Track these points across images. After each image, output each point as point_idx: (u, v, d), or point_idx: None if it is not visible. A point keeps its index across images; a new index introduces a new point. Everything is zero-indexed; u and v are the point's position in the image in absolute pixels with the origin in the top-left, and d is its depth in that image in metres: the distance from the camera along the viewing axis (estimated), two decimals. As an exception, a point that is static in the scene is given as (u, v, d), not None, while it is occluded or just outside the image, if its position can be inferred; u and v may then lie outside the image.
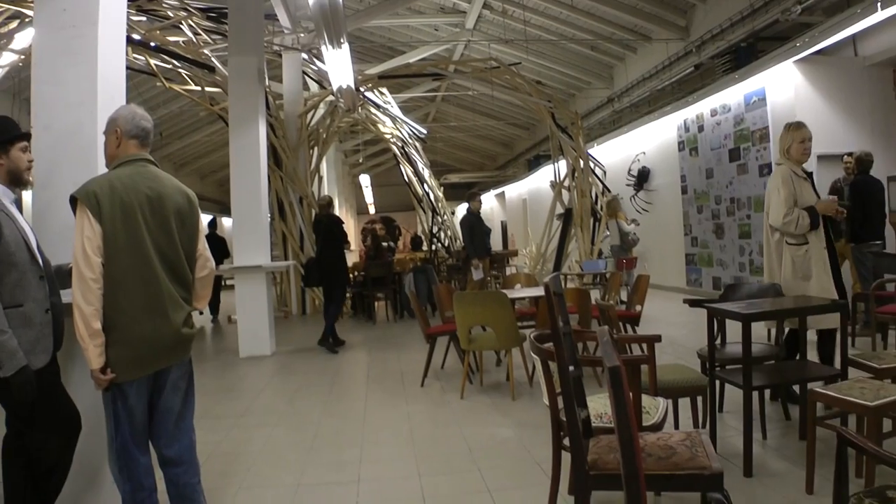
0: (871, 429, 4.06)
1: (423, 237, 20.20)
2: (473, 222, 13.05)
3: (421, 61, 20.01)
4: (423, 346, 8.28)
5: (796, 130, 5.99)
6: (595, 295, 12.31)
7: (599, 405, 4.05)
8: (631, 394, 3.92)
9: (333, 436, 6.20)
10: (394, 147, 21.38)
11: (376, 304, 15.29)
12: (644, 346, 4.85)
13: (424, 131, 21.40)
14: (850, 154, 10.03)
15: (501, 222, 37.49)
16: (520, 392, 7.28)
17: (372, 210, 39.63)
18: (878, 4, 9.25)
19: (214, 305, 16.07)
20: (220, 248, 14.83)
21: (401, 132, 20.48)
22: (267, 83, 13.89)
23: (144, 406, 3.53)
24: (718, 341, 6.03)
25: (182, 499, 3.66)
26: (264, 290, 10.63)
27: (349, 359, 10.15)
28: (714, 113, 14.31)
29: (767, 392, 5.72)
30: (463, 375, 7.48)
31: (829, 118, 11.62)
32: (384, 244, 16.82)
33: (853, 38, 11.66)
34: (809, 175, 6.09)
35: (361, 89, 16.44)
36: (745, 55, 13.30)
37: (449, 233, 21.39)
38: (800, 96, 11.62)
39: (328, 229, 11.36)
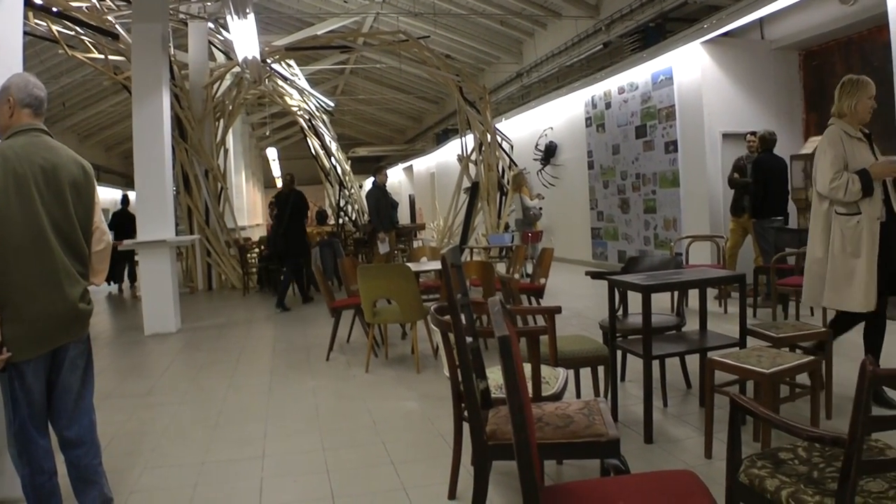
0: (767, 395, 4.22)
1: (328, 211, 20.03)
2: (379, 196, 13.07)
3: (329, 33, 19.68)
4: (330, 321, 8.21)
5: (866, 86, 5.27)
6: (502, 268, 12.43)
7: (500, 376, 4.06)
8: (530, 364, 3.95)
9: (238, 412, 6.11)
10: (301, 120, 21.11)
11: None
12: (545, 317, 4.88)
13: (332, 104, 21.17)
14: (753, 133, 10.33)
15: (409, 196, 37.48)
16: (424, 365, 7.31)
17: (279, 184, 39.08)
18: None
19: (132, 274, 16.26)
20: (132, 225, 14.51)
21: (308, 105, 20.22)
22: (172, 52, 13.54)
23: (42, 386, 3.39)
24: (621, 313, 6.15)
25: (84, 481, 3.53)
26: (169, 266, 10.38)
27: (255, 334, 10.02)
28: (622, 90, 14.51)
29: (668, 361, 5.73)
30: (368, 349, 7.45)
31: (735, 98, 11.88)
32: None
33: (760, 22, 11.93)
34: (867, 136, 5.34)
35: (268, 61, 16.16)
36: (653, 35, 13.46)
37: (356, 206, 21.27)
38: (706, 76, 11.83)
39: (296, 204, 12.42)
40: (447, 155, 26.07)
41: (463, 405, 3.77)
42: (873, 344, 5.32)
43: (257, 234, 22.57)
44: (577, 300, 11.05)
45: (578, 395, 5.36)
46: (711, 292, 10.29)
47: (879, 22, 9.21)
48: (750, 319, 6.97)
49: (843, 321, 5.46)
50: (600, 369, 5.25)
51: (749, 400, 2.79)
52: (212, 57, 17.63)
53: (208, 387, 7.08)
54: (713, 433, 4.43)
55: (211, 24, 16.17)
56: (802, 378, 4.92)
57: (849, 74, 5.50)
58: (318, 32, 19.26)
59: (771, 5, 10.06)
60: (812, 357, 4.53)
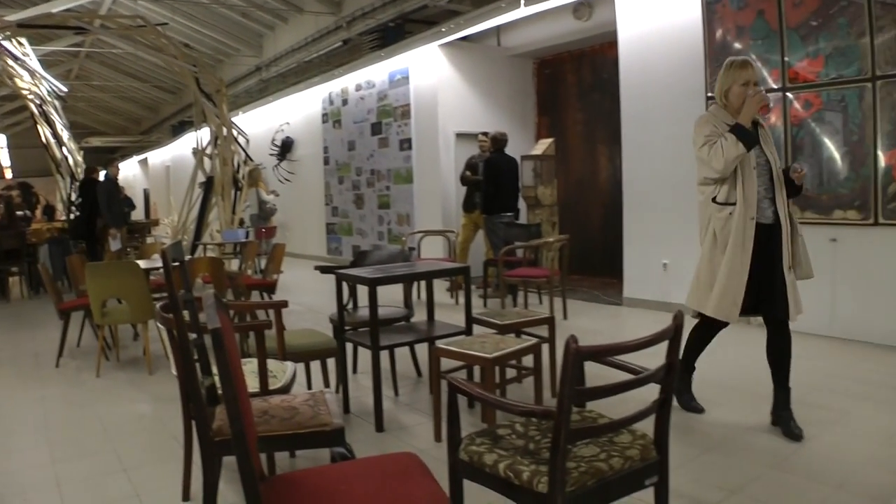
0: (490, 378, 4.39)
1: (56, 206, 18.74)
2: (112, 189, 12.42)
3: (65, 12, 18.50)
4: (60, 324, 7.62)
5: (740, 69, 4.45)
6: (237, 264, 12.15)
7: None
8: (257, 358, 3.93)
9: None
10: (31, 105, 19.63)
11: (10, 279, 13.63)
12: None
13: (65, 89, 19.85)
14: (485, 133, 10.73)
15: (144, 190, 35.91)
16: (157, 365, 6.89)
17: (8, 175, 36.13)
18: (522, 1, 9.83)
19: None
20: None
21: (39, 89, 18.87)
22: None
23: None
24: (351, 305, 6.16)
25: None
26: None
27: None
28: (359, 88, 14.63)
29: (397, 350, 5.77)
30: (98, 352, 6.92)
31: (469, 100, 12.32)
32: (19, 213, 15.34)
33: (498, 30, 12.51)
34: (755, 125, 4.51)
35: (-1, 36, 14.94)
36: (392, 35, 13.60)
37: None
38: (442, 78, 12.16)
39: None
40: (183, 148, 25.16)
41: (192, 403, 3.61)
42: (775, 365, 4.52)
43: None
44: (310, 295, 10.99)
45: (309, 388, 5.29)
46: (442, 285, 10.56)
47: (611, 38, 9.88)
48: (481, 309, 7.17)
49: (701, 330, 4.85)
50: (331, 362, 5.26)
51: (464, 382, 2.84)
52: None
53: None
54: (442, 418, 4.48)
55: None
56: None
57: (731, 58, 4.64)
58: (54, 10, 18.03)
59: (508, 14, 10.45)
60: (534, 341, 4.79)
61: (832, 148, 7.08)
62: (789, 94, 7.49)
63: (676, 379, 4.11)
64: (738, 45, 7.93)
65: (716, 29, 8.17)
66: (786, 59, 7.52)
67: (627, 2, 9.17)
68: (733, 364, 6.22)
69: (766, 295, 4.40)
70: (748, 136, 4.29)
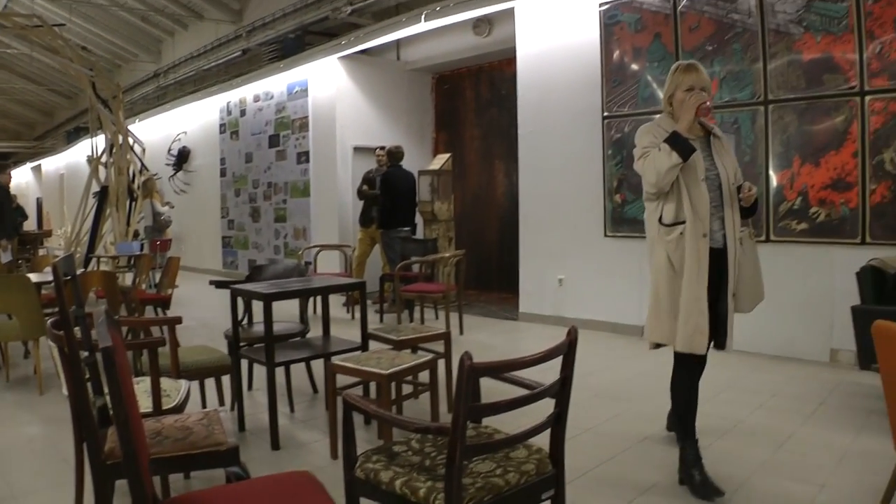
0: (386, 394, 4.37)
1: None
2: (2, 198, 11.97)
3: (-41, 9, 17.81)
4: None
5: (683, 73, 3.99)
6: (130, 278, 11.83)
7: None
8: (150, 377, 3.80)
9: None
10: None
11: None
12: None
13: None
14: (382, 147, 10.73)
15: (37, 199, 34.70)
16: (49, 385, 6.51)
17: None
18: (423, 16, 9.92)
19: None
20: None
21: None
22: None
23: None
24: (247, 321, 6.09)
25: None
26: None
27: None
28: (257, 99, 14.46)
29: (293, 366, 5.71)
30: (-14, 372, 6.62)
31: (368, 114, 12.31)
32: None
33: (398, 44, 12.54)
34: (707, 136, 4.10)
35: None
36: (292, 46, 13.51)
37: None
38: (341, 91, 12.13)
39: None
40: (78, 155, 24.33)
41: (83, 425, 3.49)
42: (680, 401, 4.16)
43: None
44: (206, 310, 10.74)
45: (204, 407, 5.16)
46: (339, 300, 10.50)
47: (510, 55, 9.99)
48: (377, 325, 7.16)
49: (680, 375, 4.13)
50: (226, 379, 5.16)
51: (359, 398, 2.83)
52: None
53: None
54: (338, 435, 4.43)
55: None
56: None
57: (677, 62, 4.25)
58: (-54, 6, 17.32)
59: (408, 29, 10.55)
60: (430, 356, 4.78)
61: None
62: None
63: (679, 450, 3.96)
64: (635, 67, 8.18)
65: (613, 49, 8.38)
66: (681, 81, 7.73)
67: (527, 19, 9.34)
68: (627, 375, 6.41)
69: (711, 323, 3.91)
70: (682, 144, 3.81)
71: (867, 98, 6.54)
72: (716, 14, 7.52)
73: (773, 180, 7.06)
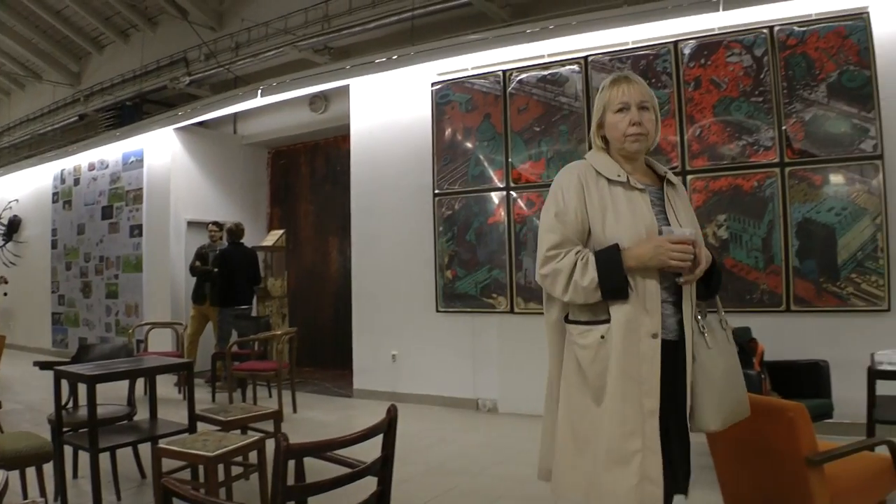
0: (212, 476, 4.31)
1: None
2: None
3: None
4: None
5: (611, 88, 2.89)
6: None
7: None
8: None
9: None
10: None
11: None
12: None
13: None
14: (215, 223, 10.61)
15: None
16: None
17: None
18: (259, 91, 9.89)
19: None
20: None
21: None
22: None
23: None
24: (72, 404, 5.88)
25: None
26: None
27: None
28: (92, 167, 13.94)
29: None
30: None
31: (203, 187, 12.07)
32: None
33: (235, 117, 12.43)
34: (661, 182, 2.96)
35: None
36: (129, 114, 13.20)
37: None
38: (176, 162, 11.86)
39: None
40: None
41: None
42: None
43: None
44: (33, 392, 10.05)
45: (25, 498, 4.90)
46: (170, 379, 10.10)
47: (345, 131, 10.02)
48: (209, 404, 6.95)
49: None
50: (49, 467, 4.86)
51: (178, 484, 2.78)
52: None
53: None
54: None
55: None
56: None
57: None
58: None
59: (245, 103, 10.50)
60: (258, 437, 4.75)
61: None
62: (513, 193, 7.92)
63: None
64: (467, 145, 8.34)
65: (445, 128, 8.51)
66: (510, 160, 7.92)
67: (361, 96, 9.42)
68: (459, 449, 6.51)
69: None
70: (621, 282, 2.67)
71: (689, 177, 6.82)
72: (544, 97, 7.75)
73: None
